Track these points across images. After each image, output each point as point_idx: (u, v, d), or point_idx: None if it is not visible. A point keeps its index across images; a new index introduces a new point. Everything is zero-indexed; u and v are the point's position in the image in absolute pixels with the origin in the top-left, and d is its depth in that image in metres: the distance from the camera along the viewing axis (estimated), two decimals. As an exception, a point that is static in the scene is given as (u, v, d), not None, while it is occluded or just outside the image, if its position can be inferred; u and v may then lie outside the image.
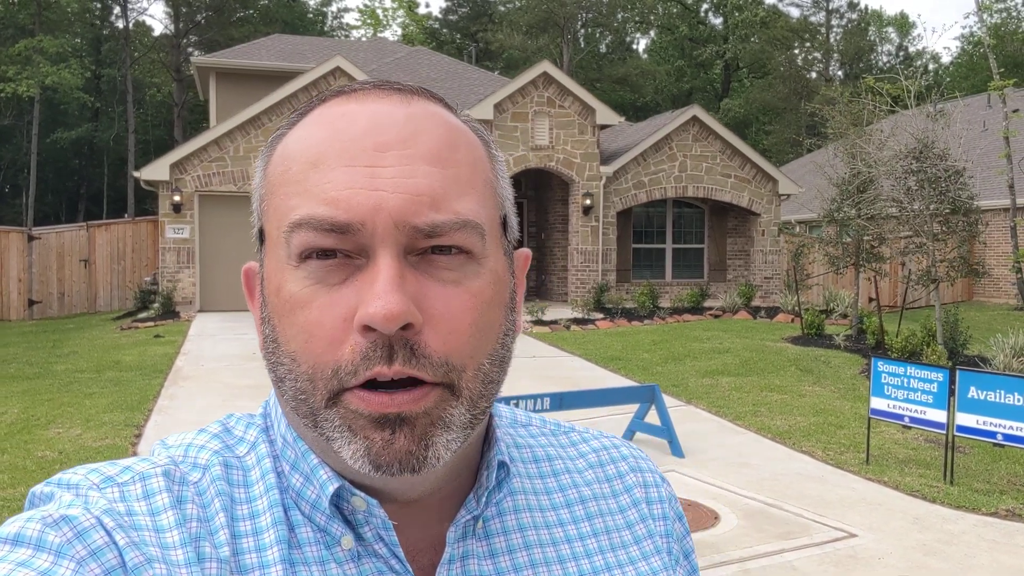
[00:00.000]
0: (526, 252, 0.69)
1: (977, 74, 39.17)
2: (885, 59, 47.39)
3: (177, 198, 15.44)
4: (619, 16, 44.62)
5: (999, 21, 42.00)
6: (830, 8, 45.05)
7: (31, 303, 16.85)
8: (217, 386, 8.99)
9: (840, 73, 44.55)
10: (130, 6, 39.18)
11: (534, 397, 6.42)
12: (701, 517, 5.35)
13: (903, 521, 5.40)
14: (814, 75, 43.02)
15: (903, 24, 50.44)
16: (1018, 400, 5.76)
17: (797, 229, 23.14)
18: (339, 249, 0.56)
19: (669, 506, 0.76)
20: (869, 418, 6.73)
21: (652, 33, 50.05)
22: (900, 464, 6.68)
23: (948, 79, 40.76)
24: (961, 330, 11.30)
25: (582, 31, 44.76)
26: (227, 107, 18.09)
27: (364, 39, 40.78)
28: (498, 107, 16.46)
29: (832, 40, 44.87)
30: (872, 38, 47.12)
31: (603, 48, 45.52)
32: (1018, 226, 18.16)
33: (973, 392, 5.98)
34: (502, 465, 0.66)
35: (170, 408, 8.06)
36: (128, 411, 7.89)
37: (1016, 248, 17.92)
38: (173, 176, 15.54)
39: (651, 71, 43.35)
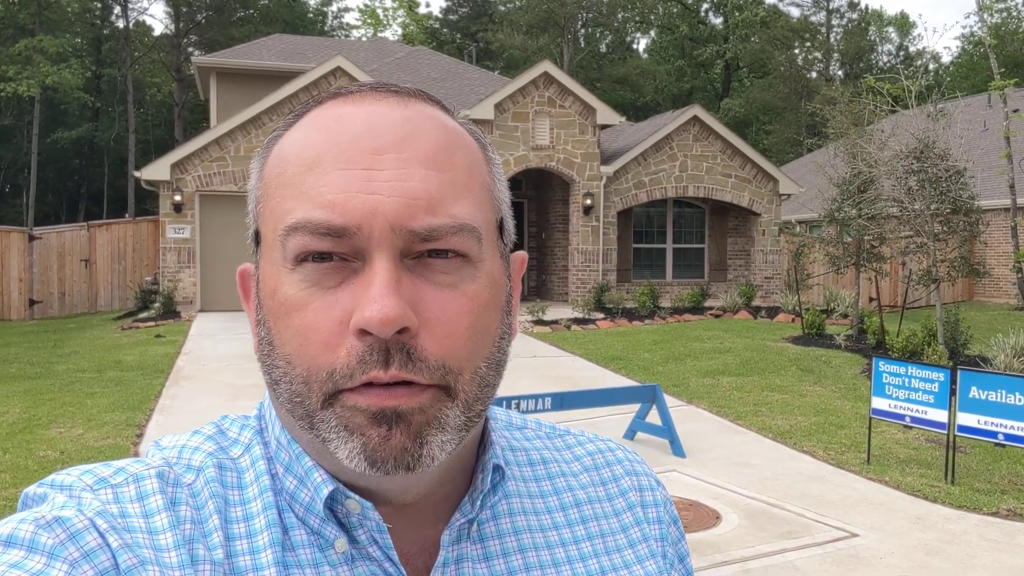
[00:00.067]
0: (522, 255, 0.68)
1: (977, 74, 39.15)
2: (885, 59, 47.39)
3: (178, 198, 15.44)
4: (619, 16, 44.62)
5: (999, 21, 41.93)
6: (830, 8, 45.04)
7: (32, 303, 16.85)
8: (218, 386, 9.00)
9: (840, 73, 44.54)
10: (130, 6, 39.23)
11: (535, 397, 6.41)
12: (702, 517, 5.35)
13: (904, 521, 5.40)
14: (814, 75, 43.01)
15: (903, 24, 50.42)
16: (1019, 400, 5.76)
17: (798, 229, 23.12)
18: (335, 252, 0.56)
19: (664, 510, 0.76)
20: (870, 418, 6.72)
21: (652, 33, 50.05)
22: (901, 464, 6.68)
23: (948, 79, 40.76)
24: (962, 330, 11.30)
25: (582, 31, 44.76)
26: (228, 107, 18.08)
27: (364, 39, 40.75)
28: (499, 107, 16.46)
29: (832, 40, 44.85)
30: (872, 38, 47.08)
31: (603, 48, 45.53)
32: (1019, 226, 18.16)
33: (974, 392, 5.98)
34: (497, 468, 0.65)
35: (171, 408, 8.07)
36: (129, 411, 7.90)
37: (1017, 248, 17.92)
38: (174, 176, 15.54)
39: (651, 71, 43.33)
